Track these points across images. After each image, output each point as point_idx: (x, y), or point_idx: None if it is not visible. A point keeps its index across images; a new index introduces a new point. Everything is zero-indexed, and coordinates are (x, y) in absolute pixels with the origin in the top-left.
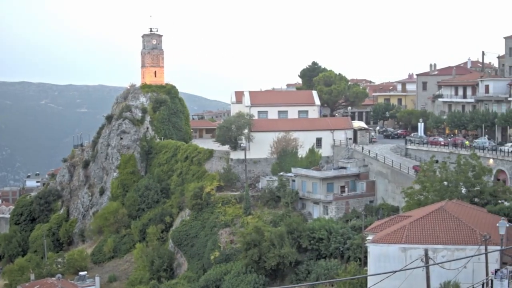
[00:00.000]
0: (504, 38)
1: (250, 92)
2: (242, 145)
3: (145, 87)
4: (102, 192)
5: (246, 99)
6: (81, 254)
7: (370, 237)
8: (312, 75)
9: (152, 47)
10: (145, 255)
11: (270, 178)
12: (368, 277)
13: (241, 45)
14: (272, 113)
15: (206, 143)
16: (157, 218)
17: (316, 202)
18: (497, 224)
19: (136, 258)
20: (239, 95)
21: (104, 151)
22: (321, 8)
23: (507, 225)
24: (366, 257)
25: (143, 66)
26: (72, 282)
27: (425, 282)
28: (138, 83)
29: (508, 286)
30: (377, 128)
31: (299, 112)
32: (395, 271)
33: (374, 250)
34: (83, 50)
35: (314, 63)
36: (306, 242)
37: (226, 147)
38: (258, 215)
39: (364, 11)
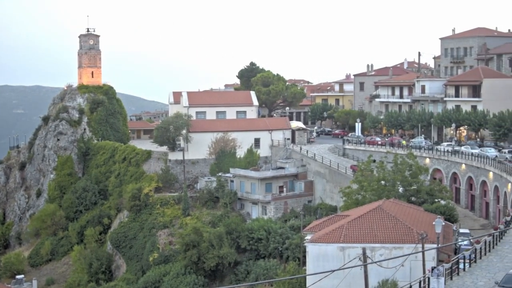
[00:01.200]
0: (440, 39)
1: (188, 93)
2: (180, 146)
3: (82, 88)
4: (39, 194)
5: (184, 100)
6: (18, 257)
7: (308, 237)
8: (250, 76)
9: (89, 48)
10: (83, 257)
11: (209, 178)
12: (307, 277)
13: (179, 46)
14: (210, 113)
15: (144, 144)
16: (95, 220)
17: (255, 203)
18: (433, 223)
19: (74, 260)
20: (177, 96)
21: (41, 152)
22: (259, 8)
23: (443, 224)
24: (304, 256)
25: (80, 66)
26: (9, 286)
27: (363, 281)
28: (75, 84)
29: (445, 284)
30: (315, 128)
31: (237, 112)
32: (334, 270)
33: (312, 250)
34: (19, 50)
35: (252, 64)
36: (245, 242)
37: (164, 148)
38: (196, 216)
39: (302, 12)
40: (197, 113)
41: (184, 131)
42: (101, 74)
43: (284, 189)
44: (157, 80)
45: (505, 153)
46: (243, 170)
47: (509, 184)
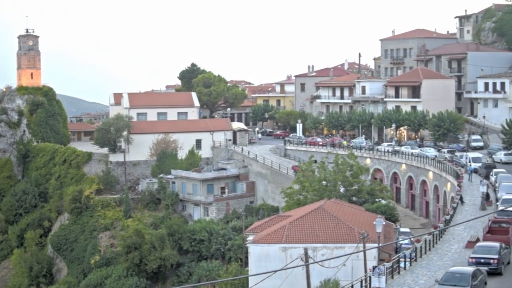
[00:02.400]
0: (380, 40)
1: (129, 94)
2: (121, 147)
3: (22, 89)
4: None
5: (125, 101)
6: None
7: (250, 238)
8: (191, 77)
9: (29, 48)
10: (24, 261)
11: (150, 180)
12: (249, 277)
13: (119, 47)
14: (151, 115)
15: (85, 146)
16: (35, 223)
17: (197, 204)
18: (374, 222)
19: (14, 264)
20: (117, 97)
21: None
22: (200, 9)
23: (384, 223)
24: (247, 257)
25: (19, 67)
26: None
27: (305, 281)
28: (14, 85)
29: (386, 282)
30: (257, 129)
31: (179, 113)
32: (276, 271)
33: (254, 250)
34: None
35: (193, 65)
36: (187, 244)
37: (105, 150)
38: (138, 217)
39: (242, 13)
40: (138, 114)
41: (125, 133)
42: (41, 75)
43: (226, 190)
44: (98, 82)
45: (444, 153)
46: (185, 172)
47: (449, 183)
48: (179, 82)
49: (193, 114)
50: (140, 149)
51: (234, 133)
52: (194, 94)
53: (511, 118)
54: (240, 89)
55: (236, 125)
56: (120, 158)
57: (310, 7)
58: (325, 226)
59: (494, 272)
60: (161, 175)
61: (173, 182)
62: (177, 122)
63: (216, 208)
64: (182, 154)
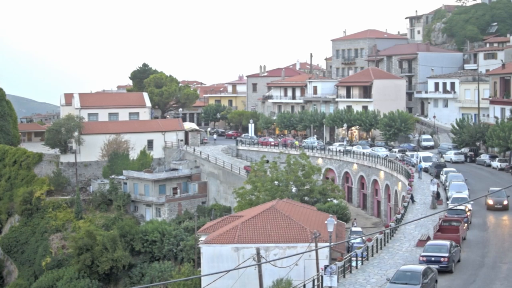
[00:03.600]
0: (332, 40)
1: (80, 94)
2: (72, 148)
3: None
4: None
5: (76, 102)
6: None
7: (203, 238)
8: (143, 77)
9: None
10: None
11: (102, 181)
12: (202, 278)
13: (70, 46)
14: (103, 115)
15: (35, 147)
16: None
17: (149, 205)
18: (326, 222)
19: None
20: (68, 98)
21: None
22: (152, 8)
23: (335, 222)
24: (199, 258)
25: None
26: None
27: (257, 281)
28: None
29: (338, 281)
30: (209, 129)
31: (130, 114)
32: (228, 271)
33: (207, 251)
34: None
35: (144, 65)
36: (139, 245)
37: (55, 151)
38: (90, 219)
39: (194, 13)
40: (89, 115)
41: (76, 133)
42: None
43: (178, 190)
44: (49, 82)
45: (395, 152)
46: (137, 172)
47: (400, 182)
48: (130, 82)
49: (144, 114)
50: (92, 149)
51: (186, 133)
52: (145, 94)
53: (461, 118)
54: (192, 89)
55: (188, 125)
56: (71, 159)
57: (261, 8)
58: (277, 226)
59: (445, 270)
60: (113, 176)
61: (125, 183)
62: (128, 122)
63: (168, 209)
64: (133, 155)
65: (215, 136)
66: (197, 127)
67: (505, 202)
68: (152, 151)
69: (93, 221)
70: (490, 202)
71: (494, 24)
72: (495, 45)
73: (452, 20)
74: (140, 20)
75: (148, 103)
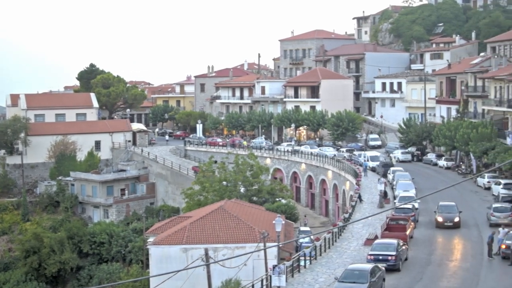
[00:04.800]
0: (279, 41)
1: (26, 95)
2: (18, 149)
3: None
4: None
5: (22, 102)
6: None
7: (151, 239)
8: (90, 77)
9: None
10: None
11: (49, 182)
12: (150, 279)
13: (15, 46)
14: (50, 116)
15: None
16: None
17: (96, 206)
18: (274, 222)
19: None
20: (14, 98)
21: None
22: (97, 8)
23: (283, 222)
24: (148, 259)
25: None
26: None
27: (206, 281)
28: None
29: (286, 281)
30: (156, 130)
31: (77, 115)
32: (177, 271)
33: (155, 252)
34: None
35: (92, 65)
36: (87, 247)
37: (1, 152)
38: (37, 221)
39: (141, 13)
40: (35, 116)
41: (22, 135)
42: None
43: (126, 191)
44: None
45: (343, 152)
46: (84, 174)
47: (347, 182)
48: (77, 83)
49: (92, 115)
50: (38, 151)
51: (134, 134)
52: (93, 95)
53: (408, 118)
54: (139, 89)
55: (136, 126)
56: (17, 160)
57: (209, 7)
58: (225, 226)
59: (392, 269)
60: (60, 177)
61: (72, 184)
62: (75, 123)
63: (116, 210)
64: (81, 156)
65: (167, 137)
66: (145, 128)
67: (456, 219)
68: (99, 152)
69: (40, 223)
70: (440, 219)
71: (440, 24)
72: (441, 45)
73: (399, 20)
74: (87, 20)
75: (95, 103)
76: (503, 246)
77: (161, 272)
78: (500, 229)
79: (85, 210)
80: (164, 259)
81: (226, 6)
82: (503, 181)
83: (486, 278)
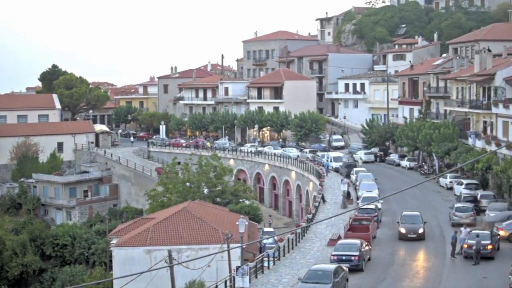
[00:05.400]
0: (243, 42)
1: None
2: None
3: None
4: None
5: None
6: None
7: (114, 241)
8: (53, 79)
9: None
10: None
11: (10, 184)
12: (114, 281)
13: None
14: (11, 117)
15: None
16: None
17: (59, 208)
18: (237, 223)
19: None
20: None
21: None
22: (60, 8)
23: (247, 223)
24: (111, 261)
25: None
26: None
27: (170, 283)
28: None
29: (250, 282)
30: (119, 131)
31: (39, 116)
32: (140, 273)
33: (118, 254)
34: None
35: (54, 66)
36: (50, 249)
37: None
38: None
39: (104, 13)
40: None
41: None
42: None
43: (89, 193)
44: None
45: (306, 152)
46: (46, 175)
47: (311, 182)
48: (40, 84)
49: (54, 116)
50: (0, 152)
51: (97, 135)
52: (55, 96)
53: (371, 118)
54: (102, 90)
55: (99, 127)
56: None
57: (171, 8)
58: (189, 228)
59: (356, 269)
60: (22, 179)
61: (35, 186)
62: (38, 125)
63: (79, 212)
64: (43, 158)
65: (132, 138)
66: (108, 129)
67: (421, 231)
68: (62, 153)
69: (2, 225)
70: (402, 230)
71: (403, 26)
72: (404, 46)
73: (362, 21)
74: (49, 20)
75: (58, 105)
76: (465, 246)
77: (125, 274)
78: (462, 229)
79: (47, 212)
80: (127, 261)
81: (189, 7)
82: (465, 181)
83: (448, 277)
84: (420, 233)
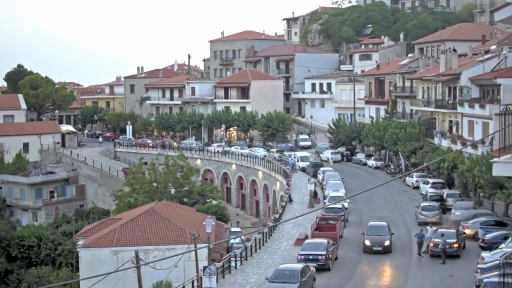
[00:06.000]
0: (209, 41)
1: None
2: None
3: None
4: None
5: None
6: None
7: (81, 242)
8: (18, 78)
9: None
10: None
11: None
12: (81, 282)
13: None
14: None
15: None
16: None
17: (25, 209)
18: (204, 223)
19: None
20: None
21: None
22: (25, 7)
23: (213, 223)
24: (78, 262)
25: None
26: None
27: (137, 284)
28: None
29: (217, 282)
30: (86, 131)
31: (5, 116)
32: (107, 274)
33: (85, 255)
34: None
35: (19, 66)
36: (16, 250)
37: None
38: None
39: (70, 12)
40: None
41: None
42: None
43: (55, 194)
44: None
45: (273, 152)
46: (12, 176)
47: (278, 182)
48: (5, 84)
49: (20, 116)
50: None
51: (63, 135)
52: (20, 96)
53: (338, 118)
54: (68, 91)
55: (65, 127)
56: None
57: (137, 8)
58: (156, 228)
59: (323, 268)
60: None
61: (0, 187)
62: (3, 125)
63: (45, 213)
64: (8, 158)
65: (100, 139)
66: (74, 129)
67: (387, 243)
68: (27, 154)
69: None
70: (367, 242)
71: (369, 26)
72: (370, 46)
73: (328, 21)
74: (13, 20)
75: (23, 105)
76: (431, 245)
77: (92, 274)
78: (428, 227)
79: (13, 213)
80: (94, 261)
81: (155, 6)
82: (431, 180)
83: (415, 276)
84: (386, 245)
